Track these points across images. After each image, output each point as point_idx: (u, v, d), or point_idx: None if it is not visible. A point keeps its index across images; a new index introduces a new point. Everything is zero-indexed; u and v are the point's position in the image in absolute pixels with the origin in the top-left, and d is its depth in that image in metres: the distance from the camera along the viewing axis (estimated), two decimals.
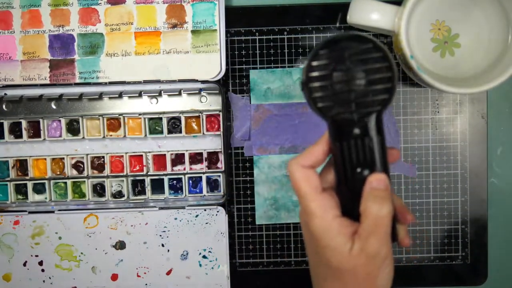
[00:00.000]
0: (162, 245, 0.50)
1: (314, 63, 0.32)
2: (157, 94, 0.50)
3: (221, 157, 0.50)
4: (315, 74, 0.32)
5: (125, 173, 0.51)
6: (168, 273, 0.50)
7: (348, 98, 0.32)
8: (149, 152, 0.51)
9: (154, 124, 0.50)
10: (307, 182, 0.33)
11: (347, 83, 0.32)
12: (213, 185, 0.51)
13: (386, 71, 0.32)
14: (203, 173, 0.51)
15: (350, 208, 0.33)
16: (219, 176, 0.51)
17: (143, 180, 0.51)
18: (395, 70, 0.32)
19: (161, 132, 0.50)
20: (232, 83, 0.50)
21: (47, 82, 0.49)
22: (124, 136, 0.50)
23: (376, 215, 0.31)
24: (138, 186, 0.51)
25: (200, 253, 0.50)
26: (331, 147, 0.33)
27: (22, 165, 0.51)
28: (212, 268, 0.50)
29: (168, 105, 0.50)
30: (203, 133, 0.50)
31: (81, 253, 0.50)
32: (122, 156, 0.51)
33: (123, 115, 0.50)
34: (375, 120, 0.32)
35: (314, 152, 0.33)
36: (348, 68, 0.32)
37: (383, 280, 0.33)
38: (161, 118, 0.50)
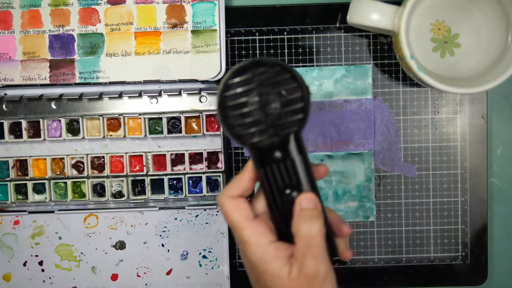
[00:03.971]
0: (162, 245, 0.50)
1: (226, 94, 0.32)
2: (157, 94, 0.50)
3: (221, 157, 0.50)
4: (229, 104, 0.32)
5: (125, 173, 0.51)
6: (168, 273, 0.50)
7: (265, 123, 0.32)
8: (149, 152, 0.51)
9: (154, 124, 0.50)
10: (237, 211, 0.33)
11: (261, 109, 0.32)
12: (213, 185, 0.51)
13: (297, 91, 0.32)
14: (203, 173, 0.51)
15: (285, 231, 0.33)
16: (219, 176, 0.51)
17: (143, 180, 0.51)
18: (305, 88, 0.32)
19: (161, 132, 0.50)
20: None
21: (47, 82, 0.49)
22: (124, 136, 0.50)
23: (307, 235, 0.31)
24: (138, 186, 0.51)
25: (200, 253, 0.50)
26: (256, 173, 0.33)
27: (22, 165, 0.51)
28: (212, 268, 0.50)
29: (168, 105, 0.50)
30: (203, 133, 0.50)
31: (81, 253, 0.50)
32: (122, 156, 0.51)
33: (123, 115, 0.50)
34: (294, 140, 0.32)
35: (240, 181, 0.34)
36: (260, 94, 0.32)
37: None
38: (161, 118, 0.50)
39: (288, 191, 0.33)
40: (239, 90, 0.32)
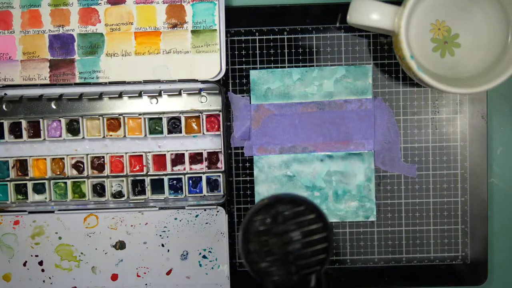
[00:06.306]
0: (162, 245, 0.50)
1: (250, 230, 0.33)
2: (157, 94, 0.50)
3: (221, 157, 0.50)
4: (252, 240, 0.33)
5: (125, 173, 0.51)
6: (168, 273, 0.50)
7: (287, 262, 0.32)
8: (149, 152, 0.51)
9: (154, 124, 0.50)
10: None
11: (284, 247, 0.32)
12: (213, 185, 0.51)
13: (322, 231, 0.32)
14: (203, 173, 0.51)
15: None
16: (219, 176, 0.51)
17: (143, 180, 0.51)
18: (330, 228, 0.32)
19: (161, 132, 0.50)
20: (232, 83, 0.50)
21: (47, 82, 0.49)
22: (124, 136, 0.50)
23: None
24: (138, 186, 0.51)
25: (200, 253, 0.50)
26: None
27: (22, 165, 0.51)
28: (212, 268, 0.50)
29: (168, 105, 0.50)
30: (203, 133, 0.50)
31: (81, 253, 0.50)
32: (122, 156, 0.51)
33: (123, 115, 0.50)
34: (315, 279, 0.33)
35: None
36: (283, 232, 0.32)
37: None
38: (161, 118, 0.50)
39: None
40: (262, 227, 0.32)
